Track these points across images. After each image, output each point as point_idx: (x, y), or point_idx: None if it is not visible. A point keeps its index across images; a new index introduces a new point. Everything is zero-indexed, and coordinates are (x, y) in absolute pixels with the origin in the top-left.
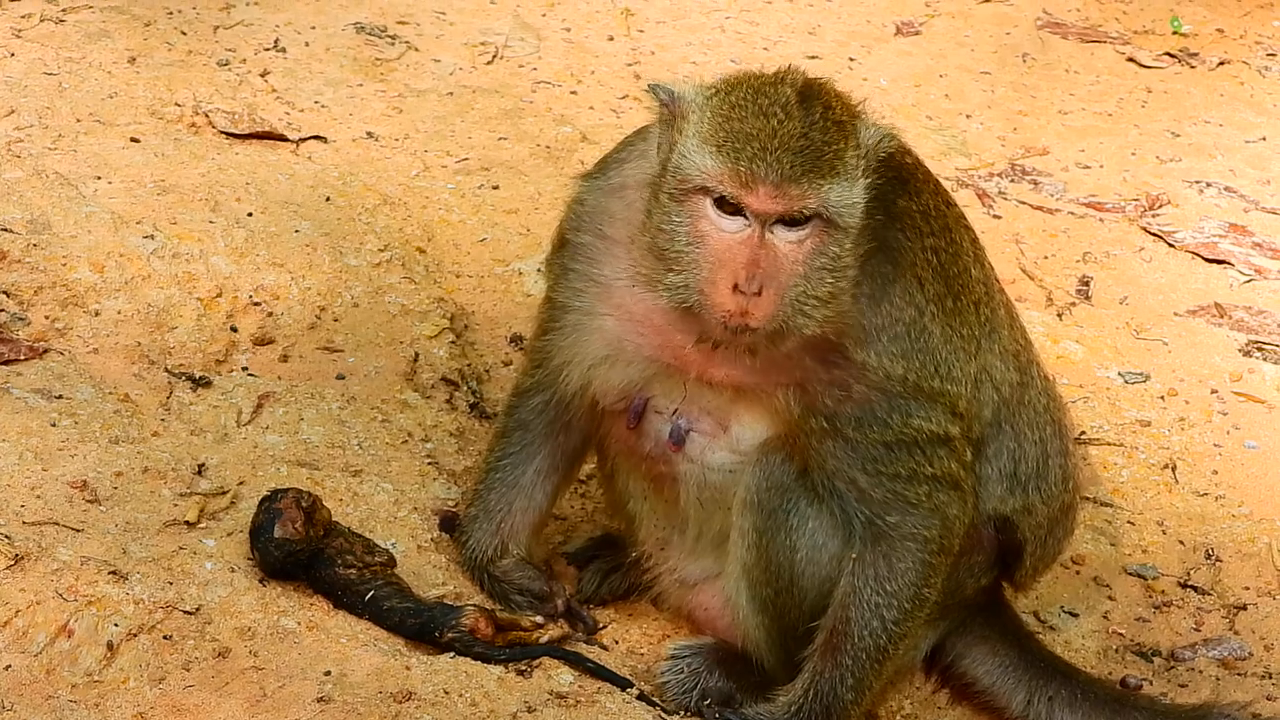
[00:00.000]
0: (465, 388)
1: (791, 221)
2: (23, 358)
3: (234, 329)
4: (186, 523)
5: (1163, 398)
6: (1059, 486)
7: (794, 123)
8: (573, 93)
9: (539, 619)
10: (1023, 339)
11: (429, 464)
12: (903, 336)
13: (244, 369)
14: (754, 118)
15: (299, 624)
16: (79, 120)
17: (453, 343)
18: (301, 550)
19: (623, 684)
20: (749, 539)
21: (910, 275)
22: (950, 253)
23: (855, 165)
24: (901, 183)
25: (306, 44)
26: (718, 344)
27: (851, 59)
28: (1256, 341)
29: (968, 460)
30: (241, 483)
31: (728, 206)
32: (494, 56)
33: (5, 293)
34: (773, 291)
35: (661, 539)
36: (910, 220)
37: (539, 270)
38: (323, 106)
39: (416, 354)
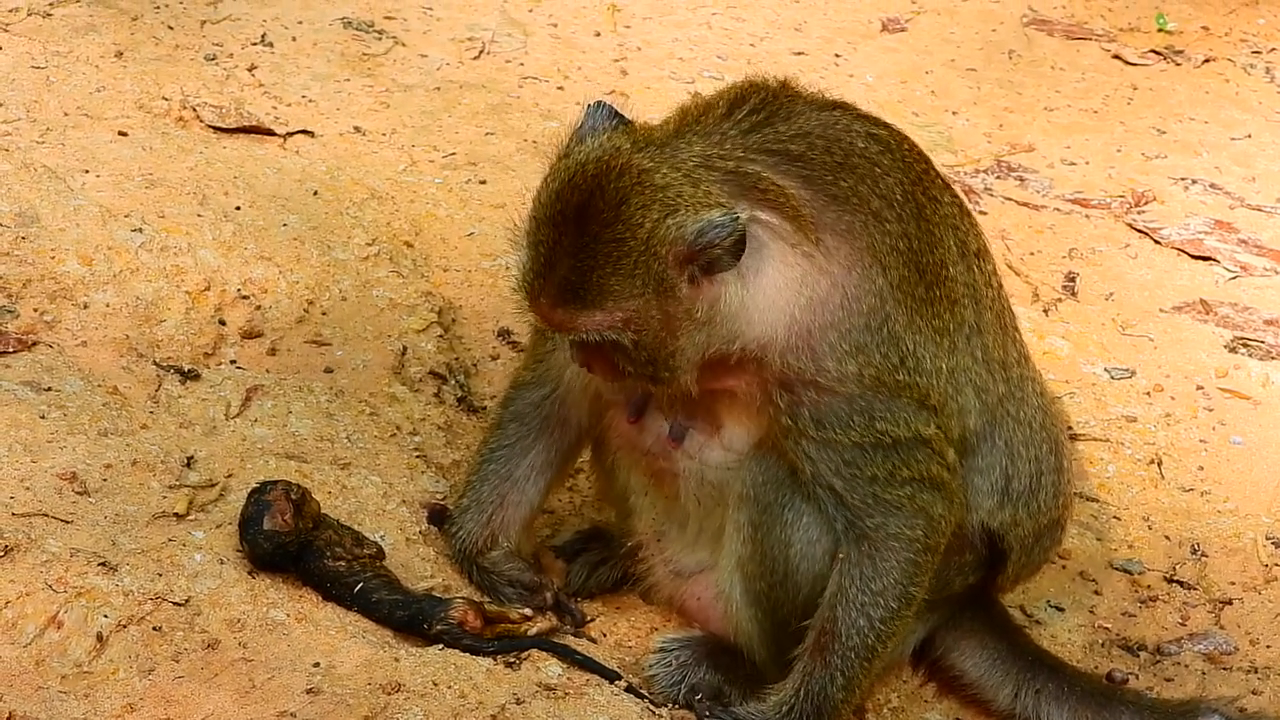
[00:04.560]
0: (453, 381)
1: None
2: (11, 350)
3: (222, 322)
4: (175, 515)
5: (1148, 393)
6: (1050, 503)
7: (567, 240)
8: (559, 88)
9: (527, 611)
10: (1017, 353)
11: (417, 457)
12: (858, 330)
13: (232, 362)
14: (542, 225)
15: (288, 616)
16: (66, 114)
17: (440, 336)
18: (291, 542)
19: (611, 676)
20: (745, 533)
21: (870, 258)
22: (925, 242)
23: (633, 282)
24: (850, 169)
25: (294, 39)
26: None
27: (837, 55)
28: (1242, 338)
29: (950, 459)
30: (230, 475)
31: None
32: (481, 52)
33: None
34: (601, 369)
35: (659, 532)
36: (862, 201)
37: None
38: (310, 101)
39: (404, 347)
